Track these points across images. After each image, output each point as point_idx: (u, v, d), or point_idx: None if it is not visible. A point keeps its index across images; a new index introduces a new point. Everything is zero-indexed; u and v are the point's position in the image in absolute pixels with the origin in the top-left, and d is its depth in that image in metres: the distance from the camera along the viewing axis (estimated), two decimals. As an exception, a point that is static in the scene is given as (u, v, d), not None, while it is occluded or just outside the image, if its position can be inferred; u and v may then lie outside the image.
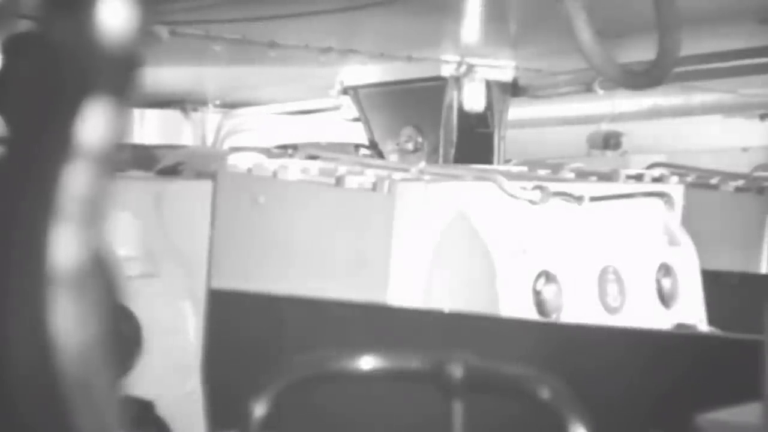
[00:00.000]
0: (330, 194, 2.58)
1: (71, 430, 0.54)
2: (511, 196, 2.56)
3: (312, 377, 0.94)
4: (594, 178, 3.13)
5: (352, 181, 2.56)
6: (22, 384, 0.53)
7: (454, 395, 0.99)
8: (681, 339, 1.86)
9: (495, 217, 2.52)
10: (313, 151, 3.20)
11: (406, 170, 2.76)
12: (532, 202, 2.57)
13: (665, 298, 2.72)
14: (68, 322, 0.53)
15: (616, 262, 2.65)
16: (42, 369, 0.53)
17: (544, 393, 0.89)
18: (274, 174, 2.72)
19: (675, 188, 3.02)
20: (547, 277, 2.52)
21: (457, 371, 0.96)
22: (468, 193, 2.56)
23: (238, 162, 2.88)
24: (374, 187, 2.50)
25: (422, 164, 2.92)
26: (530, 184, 2.61)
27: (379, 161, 3.43)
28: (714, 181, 3.96)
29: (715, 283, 2.79)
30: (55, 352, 0.53)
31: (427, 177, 2.67)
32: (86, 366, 0.54)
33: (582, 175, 3.17)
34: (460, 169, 2.96)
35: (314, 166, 2.85)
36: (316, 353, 1.05)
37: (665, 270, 2.72)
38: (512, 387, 0.97)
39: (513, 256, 2.49)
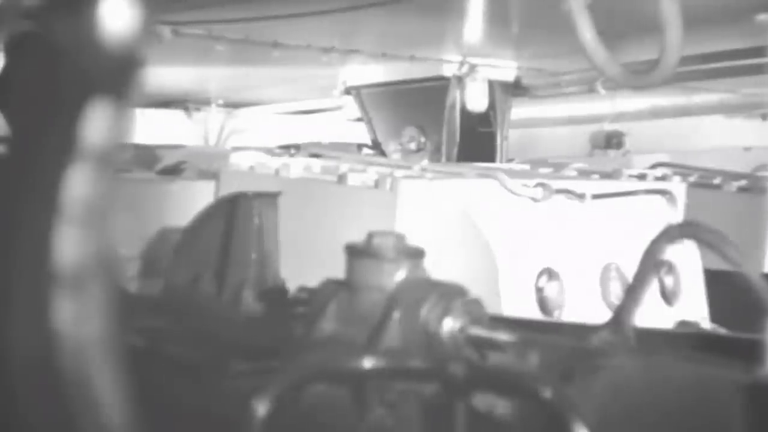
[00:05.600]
0: (332, 192, 2.57)
1: (73, 428, 0.54)
2: (514, 193, 2.55)
3: (313, 376, 0.95)
4: (596, 176, 3.13)
5: (354, 179, 2.55)
6: (23, 382, 0.54)
7: (457, 394, 1.00)
8: (681, 337, 1.86)
9: (497, 214, 2.52)
10: (315, 150, 3.20)
11: (408, 168, 2.75)
12: (534, 199, 2.57)
13: (667, 296, 2.72)
14: (71, 321, 0.53)
15: (618, 259, 2.65)
16: (44, 368, 0.53)
17: (547, 392, 0.89)
18: (276, 172, 2.71)
19: (677, 186, 3.01)
20: (550, 274, 2.52)
21: (459, 370, 0.96)
22: (470, 190, 2.55)
23: (240, 161, 2.88)
24: (376, 184, 2.49)
25: (425, 162, 2.92)
26: (532, 182, 2.60)
27: (381, 159, 3.43)
28: (716, 180, 3.96)
29: (716, 282, 2.79)
30: (58, 350, 0.53)
31: (429, 174, 2.67)
32: (89, 364, 0.54)
33: (584, 174, 3.17)
34: (462, 167, 2.96)
35: (316, 164, 2.85)
36: (318, 352, 1.05)
37: (667, 267, 2.72)
38: (514, 386, 0.97)
39: (515, 253, 2.49)
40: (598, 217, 2.70)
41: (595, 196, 2.69)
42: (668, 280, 2.72)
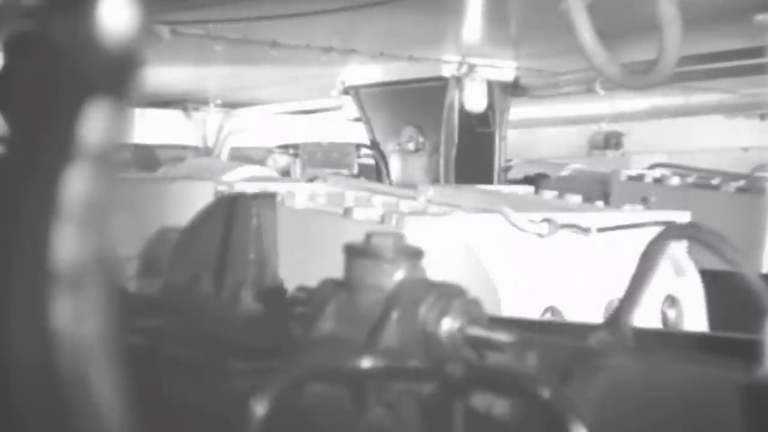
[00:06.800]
0: (337, 225, 2.56)
1: (72, 428, 0.54)
2: (519, 229, 2.55)
3: (312, 376, 0.95)
4: (601, 203, 3.12)
5: (360, 213, 2.55)
6: (22, 383, 0.54)
7: (455, 394, 1.00)
8: (680, 337, 1.86)
9: (501, 250, 2.51)
10: (318, 175, 3.20)
11: (413, 198, 2.76)
12: (539, 235, 2.57)
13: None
14: (70, 320, 0.53)
15: (622, 294, 2.63)
16: (43, 368, 0.53)
17: (545, 392, 0.89)
18: (282, 201, 2.71)
19: (682, 216, 2.98)
20: (553, 312, 2.51)
21: (457, 370, 0.96)
22: (475, 226, 2.55)
23: (243, 184, 2.87)
24: (382, 219, 2.49)
25: (430, 192, 2.90)
26: (538, 217, 2.60)
27: (386, 187, 3.39)
28: (715, 181, 3.96)
29: (715, 283, 2.79)
30: (57, 350, 0.53)
31: (434, 208, 2.67)
32: (87, 364, 0.54)
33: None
34: (467, 193, 2.94)
35: (321, 190, 2.85)
36: (317, 352, 1.05)
37: (671, 301, 2.71)
38: (513, 386, 0.97)
39: (519, 290, 2.47)
40: (603, 250, 2.69)
41: (601, 230, 2.67)
42: (671, 314, 2.72)
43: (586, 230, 2.64)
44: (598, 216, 2.81)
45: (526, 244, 2.55)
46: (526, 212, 2.61)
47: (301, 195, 2.73)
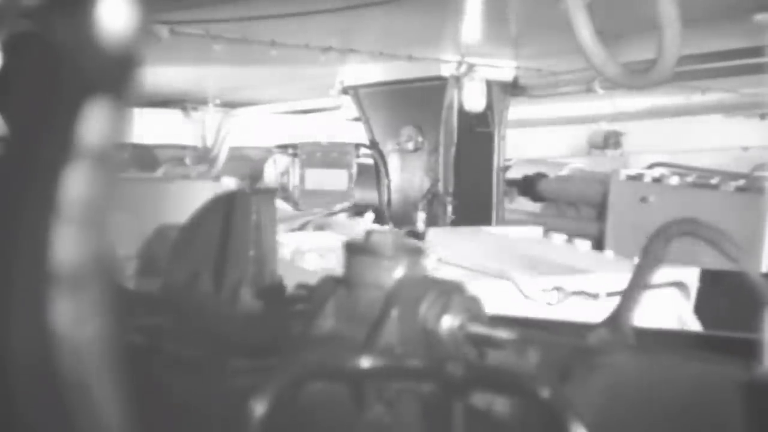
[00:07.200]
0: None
1: (72, 428, 0.54)
2: (529, 298, 2.56)
3: (312, 374, 0.95)
4: (610, 252, 3.12)
5: None
6: (22, 383, 0.54)
7: (455, 393, 1.00)
8: (680, 336, 1.87)
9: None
10: (324, 223, 3.21)
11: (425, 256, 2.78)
12: (549, 304, 2.57)
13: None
14: (70, 321, 0.53)
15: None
16: (42, 368, 0.53)
17: (544, 392, 0.89)
18: (291, 261, 2.70)
19: (690, 274, 2.95)
20: None
21: (457, 369, 0.96)
22: (485, 292, 2.56)
23: None
24: None
25: (440, 249, 2.90)
26: (549, 283, 2.60)
27: None
28: (714, 180, 3.96)
29: (714, 283, 2.78)
30: (56, 351, 0.53)
31: (444, 268, 2.67)
32: (87, 365, 0.54)
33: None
34: (477, 249, 2.94)
35: (330, 243, 2.85)
36: (317, 350, 1.05)
37: None
38: (512, 385, 0.97)
39: None
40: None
41: (610, 294, 2.67)
42: None
43: (595, 296, 2.65)
44: (608, 277, 2.78)
45: (536, 308, 2.57)
46: (535, 273, 2.62)
47: (310, 253, 2.74)
